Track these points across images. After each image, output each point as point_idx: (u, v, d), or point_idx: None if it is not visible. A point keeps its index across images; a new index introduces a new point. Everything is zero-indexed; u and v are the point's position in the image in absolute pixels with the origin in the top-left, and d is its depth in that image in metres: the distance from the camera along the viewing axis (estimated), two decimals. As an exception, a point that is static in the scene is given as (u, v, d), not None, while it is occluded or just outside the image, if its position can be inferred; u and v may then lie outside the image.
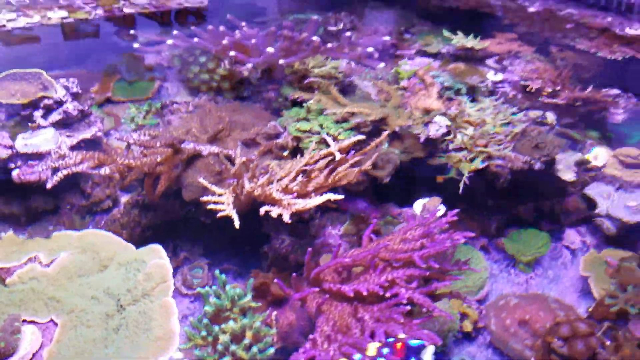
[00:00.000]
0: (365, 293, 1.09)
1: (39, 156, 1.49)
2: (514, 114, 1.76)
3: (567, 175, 1.67)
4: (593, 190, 1.67)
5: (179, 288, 1.40)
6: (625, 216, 1.59)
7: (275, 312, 1.21)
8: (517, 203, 1.66)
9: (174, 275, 1.42)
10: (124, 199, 1.46)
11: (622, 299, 1.35)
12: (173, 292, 1.40)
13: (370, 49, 2.00)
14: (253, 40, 2.02)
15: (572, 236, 1.63)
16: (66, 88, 1.73)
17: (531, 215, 1.64)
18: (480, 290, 1.46)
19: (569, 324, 1.27)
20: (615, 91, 2.03)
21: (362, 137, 1.53)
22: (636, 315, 1.33)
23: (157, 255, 1.21)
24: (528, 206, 1.65)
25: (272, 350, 1.11)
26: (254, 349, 1.09)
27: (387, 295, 1.09)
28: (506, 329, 1.36)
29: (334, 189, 1.36)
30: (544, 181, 1.67)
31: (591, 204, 1.65)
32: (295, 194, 1.33)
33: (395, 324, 1.03)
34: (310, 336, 1.07)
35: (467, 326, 1.36)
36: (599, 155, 1.77)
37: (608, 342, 1.27)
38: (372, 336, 1.01)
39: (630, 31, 2.44)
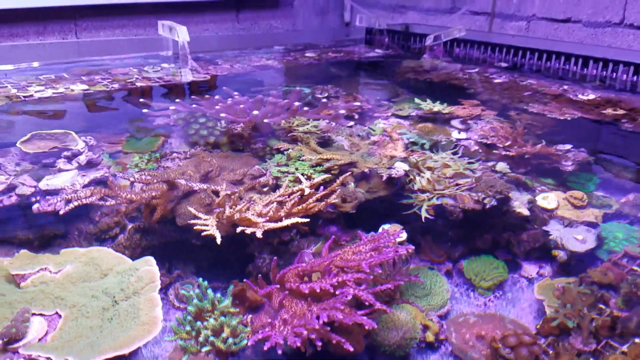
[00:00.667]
0: (318, 290, 1.29)
1: (57, 192, 1.75)
2: (469, 163, 2.03)
3: (521, 209, 1.88)
4: (547, 228, 1.87)
5: (172, 301, 1.59)
6: (574, 247, 1.78)
7: (251, 315, 1.40)
8: (477, 235, 1.86)
9: (167, 290, 1.62)
10: (130, 226, 1.69)
11: (561, 314, 1.52)
12: (166, 304, 1.60)
13: (342, 111, 2.35)
14: (242, 105, 2.37)
15: (529, 266, 1.81)
16: (85, 142, 2.05)
17: (487, 245, 1.83)
18: (442, 308, 1.62)
19: (515, 335, 1.43)
20: (566, 146, 2.28)
21: (329, 175, 1.80)
22: (575, 329, 1.49)
23: (148, 264, 1.42)
24: (485, 238, 1.85)
25: (245, 342, 1.29)
26: (230, 340, 1.28)
27: (337, 293, 1.29)
28: (465, 342, 1.51)
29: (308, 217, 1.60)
30: (501, 216, 1.88)
31: (545, 238, 1.85)
32: (268, 218, 1.57)
33: (337, 311, 1.21)
34: (269, 321, 1.25)
35: (430, 337, 1.51)
36: (549, 198, 1.98)
37: (551, 352, 1.43)
38: (318, 318, 1.20)
39: (581, 97, 2.75)
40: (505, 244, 1.86)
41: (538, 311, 1.61)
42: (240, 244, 1.65)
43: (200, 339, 1.28)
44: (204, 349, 1.28)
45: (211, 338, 1.27)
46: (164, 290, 1.57)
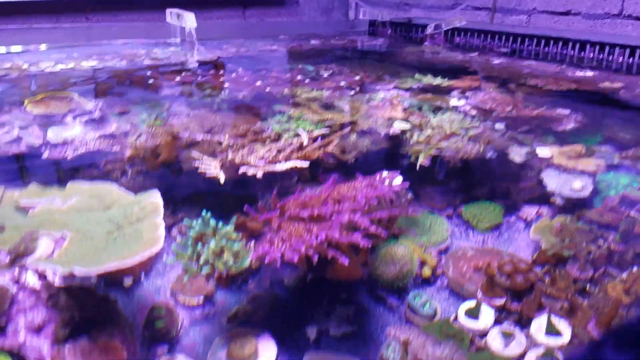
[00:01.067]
0: (316, 215, 1.32)
1: (65, 142, 1.80)
2: (469, 123, 2.07)
3: (518, 159, 1.91)
4: (545, 175, 1.89)
5: (176, 237, 1.62)
6: (572, 193, 1.80)
7: (253, 242, 1.43)
8: (476, 184, 1.89)
9: (172, 228, 1.66)
10: (132, 169, 1.74)
11: (558, 246, 1.54)
12: (170, 241, 1.63)
13: (343, 83, 2.43)
14: (245, 78, 2.45)
15: (527, 210, 1.82)
16: (94, 104, 2.12)
17: (486, 193, 1.85)
18: (441, 244, 1.64)
19: (511, 263, 1.45)
20: (565, 111, 2.32)
21: (327, 131, 1.85)
22: (571, 258, 1.51)
23: (152, 196, 1.46)
24: (485, 185, 1.88)
25: (246, 264, 1.32)
26: (230, 262, 1.31)
27: (334, 218, 1.32)
28: (462, 275, 1.52)
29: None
30: (499, 167, 1.91)
31: (543, 185, 1.87)
32: (269, 161, 1.62)
33: (335, 230, 1.24)
34: (268, 238, 1.29)
35: (427, 272, 1.53)
36: (546, 151, 2.01)
37: (547, 279, 1.44)
38: (316, 237, 1.22)
39: (578, 74, 2.79)
40: (504, 192, 1.89)
41: (534, 249, 1.63)
42: (242, 188, 1.69)
43: (201, 260, 1.32)
44: (204, 270, 1.31)
45: (212, 259, 1.30)
46: (168, 228, 1.60)
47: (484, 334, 1.35)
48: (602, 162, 1.89)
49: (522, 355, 1.30)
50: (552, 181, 1.81)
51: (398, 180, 1.73)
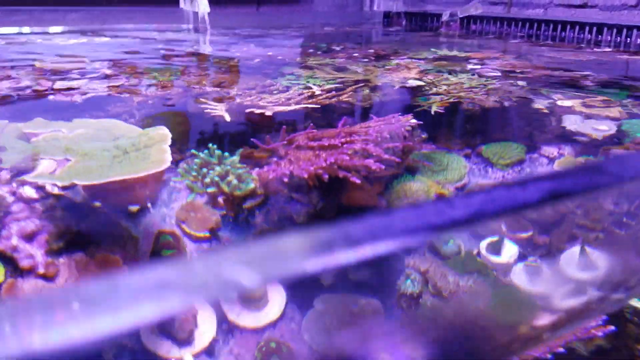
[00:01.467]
0: (326, 145, 1.26)
1: (73, 89, 1.78)
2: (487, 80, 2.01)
3: (538, 107, 1.84)
4: (567, 119, 1.81)
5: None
6: (592, 132, 1.72)
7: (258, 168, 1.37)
8: (495, 128, 1.82)
9: (179, 163, 1.61)
10: (139, 113, 1.70)
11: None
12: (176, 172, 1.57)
13: (356, 54, 2.39)
14: (257, 50, 2.43)
15: (550, 149, 1.73)
16: (102, 65, 2.10)
17: (507, 135, 1.78)
18: (459, 181, 1.55)
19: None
20: (584, 72, 2.25)
21: (339, 85, 1.81)
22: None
23: (160, 129, 1.42)
24: (504, 130, 1.81)
25: (251, 185, 1.26)
26: (234, 182, 1.25)
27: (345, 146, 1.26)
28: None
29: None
30: (519, 114, 1.85)
31: (565, 128, 1.78)
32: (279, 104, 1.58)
33: (344, 155, 1.18)
34: (276, 160, 1.23)
35: (444, 204, 1.45)
36: (567, 102, 1.94)
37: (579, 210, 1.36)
38: (325, 161, 1.16)
39: (596, 50, 2.73)
40: (525, 135, 1.81)
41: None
42: (250, 130, 1.64)
43: (207, 180, 1.27)
44: (210, 189, 1.25)
45: (216, 178, 1.25)
46: (175, 163, 1.55)
47: (507, 270, 1.26)
48: (624, 111, 1.82)
49: (552, 289, 1.21)
50: (574, 125, 1.74)
51: (412, 121, 1.67)
